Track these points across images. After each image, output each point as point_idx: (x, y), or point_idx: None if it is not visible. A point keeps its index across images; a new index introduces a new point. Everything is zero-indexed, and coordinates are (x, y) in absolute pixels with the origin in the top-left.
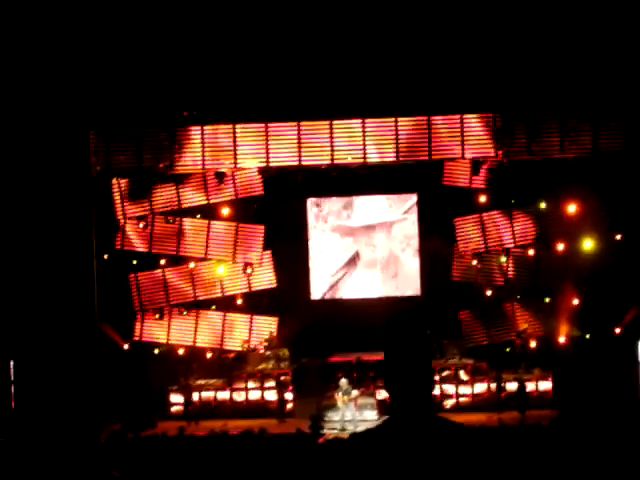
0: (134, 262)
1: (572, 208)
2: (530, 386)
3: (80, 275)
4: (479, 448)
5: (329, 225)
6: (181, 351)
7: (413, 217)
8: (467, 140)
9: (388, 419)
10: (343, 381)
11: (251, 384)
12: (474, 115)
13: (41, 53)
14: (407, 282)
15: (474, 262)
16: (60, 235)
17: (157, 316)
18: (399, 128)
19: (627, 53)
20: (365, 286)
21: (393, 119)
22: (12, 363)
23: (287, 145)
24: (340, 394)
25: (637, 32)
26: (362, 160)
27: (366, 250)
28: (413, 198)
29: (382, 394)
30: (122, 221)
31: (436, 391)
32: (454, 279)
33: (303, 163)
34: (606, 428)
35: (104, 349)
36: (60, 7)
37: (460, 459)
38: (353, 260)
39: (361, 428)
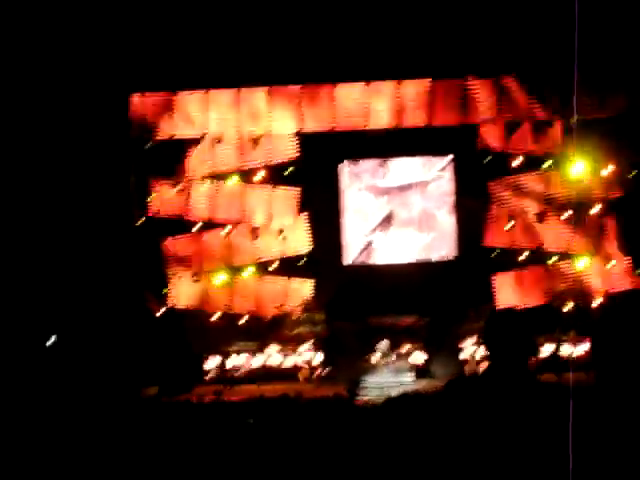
0: (168, 227)
1: (608, 169)
2: (566, 349)
3: (119, 241)
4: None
5: (364, 184)
6: (217, 316)
7: (449, 175)
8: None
9: (485, 373)
10: (381, 344)
11: (287, 348)
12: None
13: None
14: (442, 242)
15: (508, 226)
16: (100, 201)
17: (192, 281)
18: (435, 89)
19: None
20: (400, 247)
21: (428, 80)
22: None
23: (322, 108)
24: (378, 357)
25: None
26: (397, 122)
27: (401, 210)
28: (449, 157)
29: (417, 358)
30: (156, 186)
31: (471, 354)
32: (487, 243)
33: (338, 126)
34: None
35: (142, 315)
36: None
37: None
38: (388, 220)
39: (397, 392)
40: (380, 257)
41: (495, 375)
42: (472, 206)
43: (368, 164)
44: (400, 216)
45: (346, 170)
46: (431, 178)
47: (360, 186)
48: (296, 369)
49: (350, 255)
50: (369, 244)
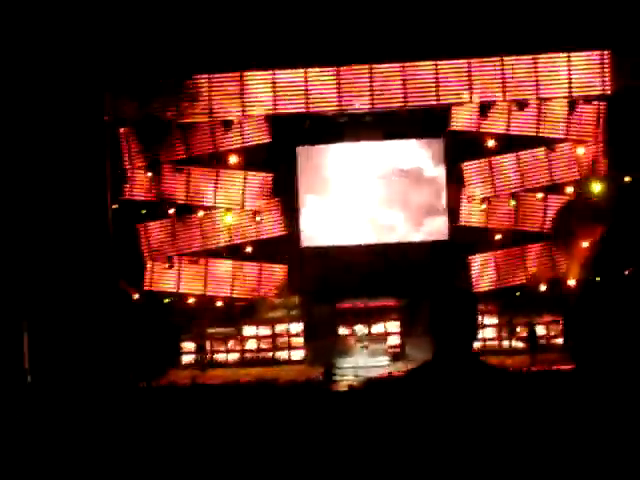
0: (143, 212)
1: (581, 150)
2: (540, 330)
3: (94, 226)
4: (519, 393)
5: (340, 171)
6: (191, 300)
7: (422, 163)
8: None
9: (429, 362)
10: (356, 327)
11: (262, 332)
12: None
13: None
14: (415, 224)
15: (482, 206)
16: (74, 186)
17: (167, 265)
18: (407, 73)
19: None
20: (373, 229)
21: (400, 64)
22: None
23: (295, 92)
24: (352, 340)
25: None
26: (370, 106)
27: (373, 192)
28: (421, 143)
29: (392, 340)
30: (130, 171)
31: None
32: (462, 224)
33: (311, 110)
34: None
35: (117, 300)
36: None
37: (501, 403)
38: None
39: (373, 374)
40: (350, 239)
41: (441, 360)
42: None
43: (343, 147)
44: (372, 198)
45: (303, 154)
46: (402, 161)
47: (320, 169)
48: (272, 353)
49: (310, 238)
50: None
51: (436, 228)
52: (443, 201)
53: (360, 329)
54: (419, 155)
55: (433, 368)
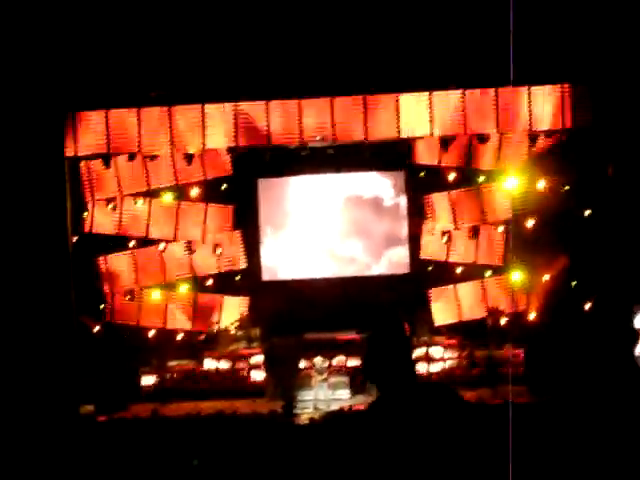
0: (102, 245)
1: (541, 184)
2: (501, 362)
3: (54, 259)
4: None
5: (302, 203)
6: (152, 333)
7: (382, 195)
8: (434, 118)
9: (375, 401)
10: (316, 360)
11: (222, 365)
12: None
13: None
14: (375, 256)
15: (443, 240)
16: (34, 220)
17: (127, 298)
18: (368, 106)
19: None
20: (335, 262)
21: (361, 97)
22: None
23: (256, 124)
24: (313, 373)
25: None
26: (332, 139)
27: (332, 224)
28: (382, 176)
29: (353, 374)
30: (90, 204)
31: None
32: (422, 257)
33: (272, 142)
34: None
35: (77, 332)
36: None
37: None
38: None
39: (334, 407)
40: (314, 272)
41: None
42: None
43: (305, 179)
44: (332, 230)
45: (261, 186)
46: (366, 194)
47: (296, 201)
48: (232, 385)
49: (270, 271)
50: (290, 259)
51: (397, 260)
52: (404, 234)
53: (321, 362)
54: (380, 187)
55: (384, 402)
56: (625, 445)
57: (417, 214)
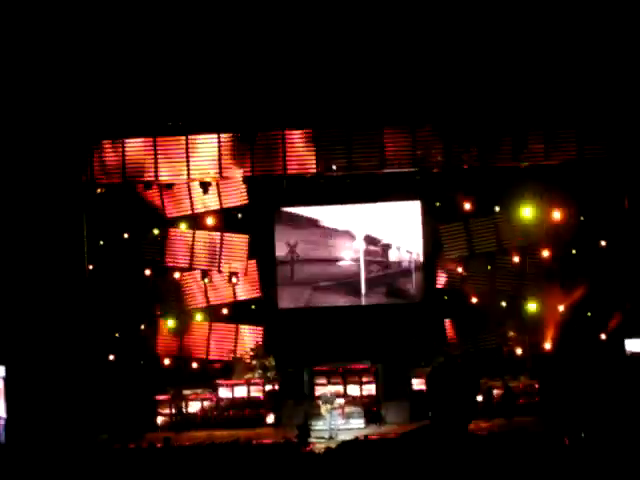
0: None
1: (556, 215)
2: (517, 392)
3: (73, 285)
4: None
5: (301, 229)
6: (167, 361)
7: (399, 224)
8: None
9: (424, 428)
10: (332, 389)
11: (237, 393)
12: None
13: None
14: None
15: (459, 269)
16: (52, 249)
17: (143, 327)
18: (385, 137)
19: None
20: (353, 292)
21: (377, 130)
22: (4, 373)
23: (272, 154)
24: (326, 403)
25: (618, 44)
26: (347, 169)
27: (344, 254)
28: (392, 203)
29: (367, 403)
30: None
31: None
32: (439, 286)
33: (288, 172)
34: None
35: (94, 361)
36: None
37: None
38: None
39: (347, 436)
40: (329, 301)
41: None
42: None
43: (306, 210)
44: (344, 261)
45: (281, 216)
46: (383, 223)
47: (297, 231)
48: (247, 414)
49: (293, 300)
50: (312, 289)
51: (412, 289)
52: (419, 263)
53: (329, 391)
54: (395, 217)
55: (427, 435)
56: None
57: (433, 243)
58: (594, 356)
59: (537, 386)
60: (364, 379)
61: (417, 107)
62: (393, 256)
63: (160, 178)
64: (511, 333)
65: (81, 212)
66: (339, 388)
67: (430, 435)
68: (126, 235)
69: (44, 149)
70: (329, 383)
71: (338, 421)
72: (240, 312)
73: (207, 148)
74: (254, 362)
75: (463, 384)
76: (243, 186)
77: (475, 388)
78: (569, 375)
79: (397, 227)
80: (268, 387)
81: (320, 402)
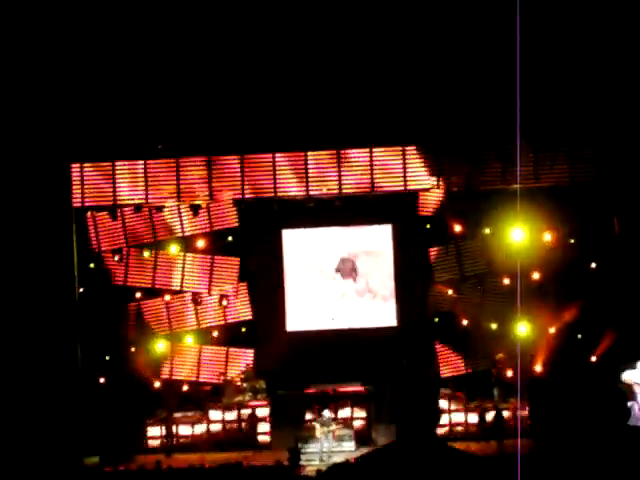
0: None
1: (546, 236)
2: (507, 415)
3: (63, 307)
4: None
5: (306, 255)
6: (157, 384)
7: (388, 247)
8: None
9: (391, 444)
10: (323, 412)
11: (228, 416)
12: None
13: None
14: (384, 312)
15: (449, 291)
16: (41, 271)
17: (132, 349)
18: (373, 158)
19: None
20: (342, 314)
21: (367, 150)
22: None
23: (262, 177)
24: (318, 425)
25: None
26: (337, 191)
27: (344, 281)
28: (388, 228)
29: (358, 425)
30: (99, 255)
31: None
32: (430, 309)
33: (278, 194)
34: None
35: (82, 383)
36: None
37: None
38: (329, 286)
39: (339, 459)
40: (323, 324)
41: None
42: (412, 275)
43: (310, 232)
44: (342, 283)
45: (288, 237)
46: (373, 247)
47: (302, 254)
48: (238, 437)
49: (292, 324)
50: (313, 311)
51: (396, 313)
52: (409, 285)
53: (326, 414)
54: (382, 240)
55: (395, 450)
56: None
57: (423, 265)
58: (586, 379)
59: (528, 408)
60: (355, 401)
61: (406, 129)
62: (381, 278)
63: (150, 201)
64: (500, 355)
65: (71, 235)
66: (330, 411)
67: (400, 447)
68: (116, 258)
69: (32, 171)
70: (320, 406)
71: (330, 444)
72: (230, 334)
73: (197, 171)
74: (244, 385)
75: (420, 393)
76: (233, 208)
77: (433, 396)
78: (560, 397)
79: (385, 250)
80: (259, 410)
81: (316, 424)
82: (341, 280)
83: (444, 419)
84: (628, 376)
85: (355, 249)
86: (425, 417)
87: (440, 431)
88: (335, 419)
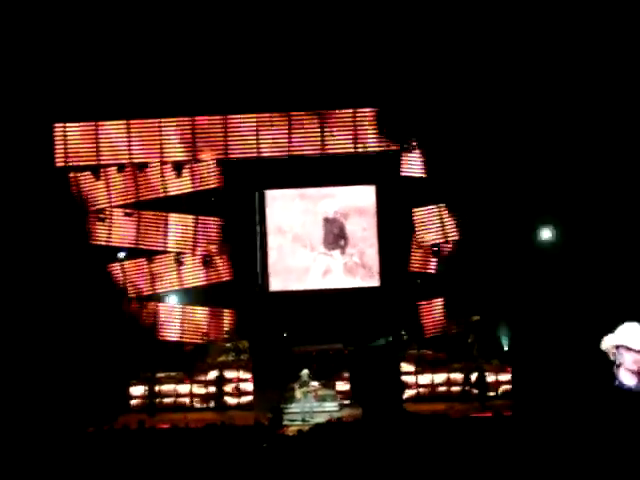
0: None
1: None
2: (489, 377)
3: (49, 268)
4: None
5: (289, 216)
6: (141, 344)
7: (372, 207)
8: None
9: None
10: (303, 372)
11: (211, 376)
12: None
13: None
14: (368, 272)
15: (432, 252)
16: (27, 234)
17: (115, 309)
18: (356, 119)
19: None
20: (324, 274)
21: (351, 111)
22: None
23: (246, 137)
24: (299, 386)
25: None
26: (320, 151)
27: (326, 236)
28: (372, 189)
29: (341, 385)
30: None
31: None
32: (412, 270)
33: (262, 155)
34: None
35: (67, 342)
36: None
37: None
38: (312, 246)
39: (321, 419)
40: (306, 283)
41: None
42: (395, 236)
43: (291, 192)
44: (325, 243)
45: (270, 197)
46: (355, 206)
47: (284, 212)
48: (222, 397)
49: (274, 284)
50: (295, 270)
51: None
52: (393, 246)
53: (307, 374)
54: (366, 200)
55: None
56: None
57: (406, 227)
58: (569, 343)
59: (510, 370)
60: (338, 362)
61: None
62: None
63: (133, 160)
64: (476, 318)
65: (54, 194)
66: (312, 371)
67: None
68: (100, 217)
69: (17, 131)
70: (304, 366)
71: (311, 404)
72: (213, 295)
73: (181, 130)
74: (228, 345)
75: (382, 365)
76: (216, 169)
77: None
78: (543, 360)
79: (371, 210)
80: (241, 371)
81: (295, 385)
82: (325, 253)
83: (425, 379)
84: (608, 341)
85: (343, 206)
86: (385, 386)
87: (422, 390)
88: (316, 379)
